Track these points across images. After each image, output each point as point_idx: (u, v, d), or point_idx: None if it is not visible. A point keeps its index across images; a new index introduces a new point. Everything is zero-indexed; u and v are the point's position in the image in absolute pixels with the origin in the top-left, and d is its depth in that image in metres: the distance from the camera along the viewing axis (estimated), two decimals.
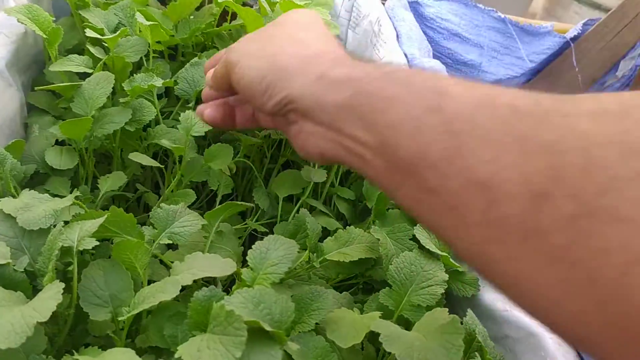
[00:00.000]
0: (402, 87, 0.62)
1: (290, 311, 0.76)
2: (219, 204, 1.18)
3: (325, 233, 1.11)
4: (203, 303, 0.76)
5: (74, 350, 0.85)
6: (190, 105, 1.24)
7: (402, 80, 0.63)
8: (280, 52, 0.75)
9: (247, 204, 0.95)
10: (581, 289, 0.49)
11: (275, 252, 0.81)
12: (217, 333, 0.69)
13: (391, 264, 0.87)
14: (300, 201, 1.14)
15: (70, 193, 1.04)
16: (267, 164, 1.27)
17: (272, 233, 1.08)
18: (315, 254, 0.97)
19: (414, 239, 0.98)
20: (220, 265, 0.82)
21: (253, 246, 0.83)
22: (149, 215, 0.94)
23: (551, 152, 0.49)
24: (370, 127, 0.64)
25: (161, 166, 1.09)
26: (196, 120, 1.04)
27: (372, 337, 0.92)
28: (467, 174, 0.55)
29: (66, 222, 0.86)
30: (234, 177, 1.25)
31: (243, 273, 0.80)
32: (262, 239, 1.03)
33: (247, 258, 0.82)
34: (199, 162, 1.13)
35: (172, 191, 1.08)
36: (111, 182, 1.07)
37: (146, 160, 1.04)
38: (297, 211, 1.12)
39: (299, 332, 0.80)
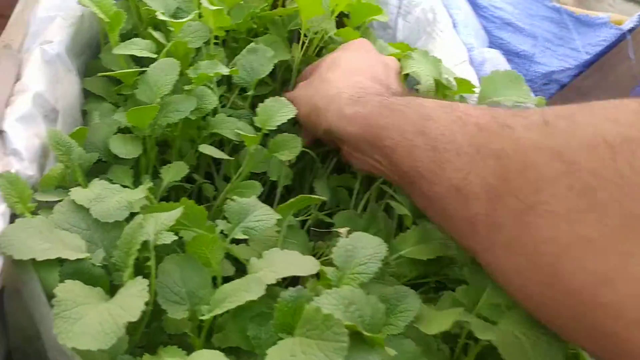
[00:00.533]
0: (398, 117, 0.79)
1: (382, 313, 0.72)
2: (280, 195, 1.14)
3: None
4: (290, 304, 0.72)
5: (147, 350, 0.82)
6: (249, 93, 1.20)
7: (398, 112, 0.80)
8: (314, 93, 1.00)
9: (321, 197, 0.91)
10: (529, 274, 0.59)
11: (363, 250, 0.78)
12: (312, 337, 0.66)
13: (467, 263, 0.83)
14: (371, 189, 1.09)
15: (133, 183, 1.01)
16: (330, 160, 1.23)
17: (333, 225, 1.05)
18: (388, 251, 0.93)
19: None
20: (303, 264, 0.79)
21: (338, 244, 0.79)
22: (208, 208, 0.90)
23: (499, 157, 0.60)
24: (379, 151, 0.83)
25: (231, 158, 1.05)
26: (276, 110, 1.01)
27: (446, 337, 0.89)
28: (447, 182, 0.69)
29: (133, 214, 0.83)
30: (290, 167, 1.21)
31: (328, 272, 0.77)
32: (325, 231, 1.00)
33: (332, 256, 0.78)
34: (261, 152, 1.10)
35: (235, 182, 1.04)
36: (173, 172, 1.04)
37: (216, 153, 1.00)
38: (368, 200, 1.07)
39: (387, 335, 0.76)
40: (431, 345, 0.80)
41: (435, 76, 1.11)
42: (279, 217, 0.87)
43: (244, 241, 1.02)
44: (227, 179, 1.24)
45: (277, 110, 1.02)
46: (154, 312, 0.81)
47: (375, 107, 0.85)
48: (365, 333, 0.66)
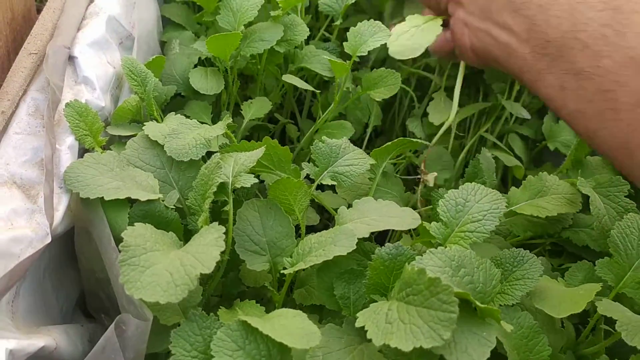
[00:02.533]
0: None
1: (496, 280, 0.60)
2: (369, 137, 1.03)
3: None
4: (387, 262, 0.62)
5: (221, 304, 0.75)
6: (336, 23, 1.07)
7: None
8: None
9: (423, 141, 0.79)
10: None
11: (477, 205, 0.65)
12: (413, 303, 0.55)
13: (613, 228, 0.68)
14: (477, 132, 0.95)
15: (212, 120, 0.93)
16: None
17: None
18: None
19: (630, 196, 0.78)
20: (402, 216, 0.67)
21: (446, 195, 0.67)
22: (291, 150, 0.80)
23: None
24: (519, 9, 0.66)
25: (317, 91, 0.94)
26: (369, 34, 0.87)
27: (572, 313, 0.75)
28: (628, 52, 0.54)
29: (210, 154, 0.75)
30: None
31: (432, 227, 0.65)
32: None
33: (438, 210, 0.66)
34: (353, 91, 0.98)
35: (324, 122, 0.93)
36: (255, 108, 0.94)
37: (302, 84, 0.89)
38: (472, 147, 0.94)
39: (500, 304, 0.64)
40: (553, 321, 0.67)
41: None
42: (372, 162, 0.76)
43: (330, 187, 0.92)
44: (312, 118, 1.14)
45: (371, 34, 0.88)
46: (231, 262, 0.74)
47: None
48: (478, 304, 0.55)
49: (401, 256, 0.61)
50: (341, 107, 0.98)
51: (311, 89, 0.93)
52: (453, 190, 0.67)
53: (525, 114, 0.98)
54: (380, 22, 0.90)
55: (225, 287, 0.76)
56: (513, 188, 0.80)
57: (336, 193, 0.86)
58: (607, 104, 0.59)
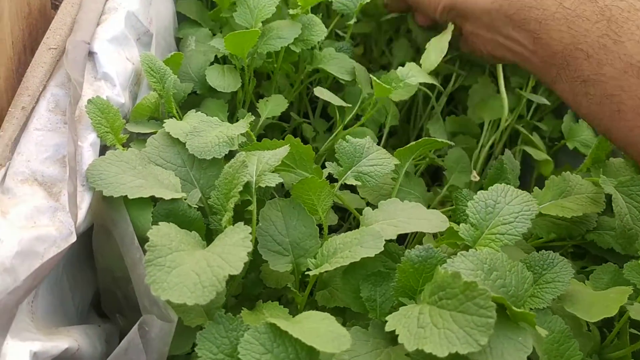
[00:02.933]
0: None
1: (528, 283, 0.59)
2: (386, 137, 1.01)
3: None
4: (416, 265, 0.60)
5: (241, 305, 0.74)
6: (350, 22, 1.05)
7: None
8: None
9: (447, 141, 0.78)
10: None
11: (508, 206, 0.64)
12: (447, 308, 0.54)
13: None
14: (500, 128, 0.93)
15: (228, 118, 0.92)
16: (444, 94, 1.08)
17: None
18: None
19: None
20: (429, 218, 0.66)
21: (475, 196, 0.66)
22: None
23: None
24: (521, 26, 0.71)
25: (347, 105, 0.93)
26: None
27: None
28: (625, 61, 0.58)
29: (230, 152, 0.73)
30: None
31: (461, 229, 0.64)
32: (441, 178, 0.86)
33: (468, 212, 0.65)
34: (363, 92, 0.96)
35: (343, 124, 0.92)
36: (271, 106, 0.93)
37: (336, 100, 0.88)
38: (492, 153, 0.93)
39: (530, 308, 0.63)
40: (580, 325, 0.66)
41: None
42: (397, 162, 0.74)
43: (348, 187, 0.91)
44: (325, 118, 1.13)
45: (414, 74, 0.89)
46: (252, 262, 0.72)
47: None
48: (513, 308, 0.53)
49: (431, 259, 0.60)
50: (363, 119, 0.96)
51: (343, 103, 0.91)
52: (482, 191, 0.66)
53: (545, 101, 0.98)
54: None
55: (245, 288, 0.75)
56: (536, 189, 0.79)
57: (355, 193, 0.84)
58: (615, 106, 0.62)
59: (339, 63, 0.97)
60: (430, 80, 0.89)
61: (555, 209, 0.75)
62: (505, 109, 0.90)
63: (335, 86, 1.10)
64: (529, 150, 0.86)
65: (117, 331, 0.78)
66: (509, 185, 0.65)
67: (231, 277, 0.71)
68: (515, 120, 1.02)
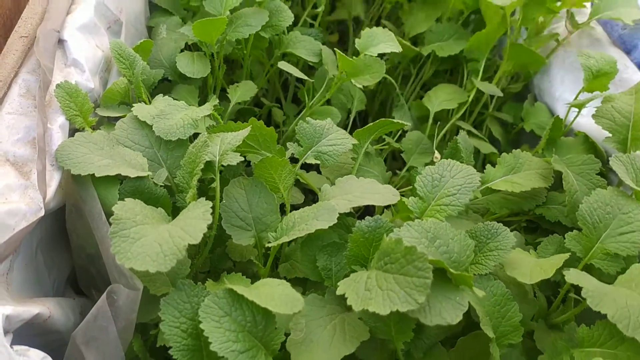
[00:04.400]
0: None
1: (470, 250, 0.64)
2: (352, 122, 1.05)
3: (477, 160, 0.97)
4: (366, 234, 0.65)
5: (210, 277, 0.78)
6: (318, 10, 1.09)
7: None
8: None
9: (403, 122, 0.82)
10: None
11: (452, 179, 0.68)
12: (390, 271, 0.58)
13: (582, 203, 0.72)
14: (449, 123, 0.99)
15: (199, 103, 0.95)
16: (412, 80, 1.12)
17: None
18: None
19: (602, 174, 0.82)
20: (382, 193, 0.71)
21: (423, 171, 0.70)
22: (278, 134, 0.83)
23: None
24: None
25: (310, 80, 0.97)
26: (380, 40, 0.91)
27: (545, 285, 0.79)
28: None
29: (196, 135, 0.77)
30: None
31: (410, 202, 0.68)
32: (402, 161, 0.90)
33: (416, 186, 0.69)
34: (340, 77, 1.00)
35: (310, 107, 0.96)
36: (241, 91, 0.97)
37: (295, 71, 0.92)
38: (448, 135, 0.98)
39: (474, 274, 0.67)
40: (525, 291, 0.71)
41: None
42: (355, 142, 0.79)
43: (315, 169, 0.95)
44: (296, 103, 1.16)
45: (383, 40, 0.93)
46: (218, 238, 0.76)
47: None
48: (451, 270, 0.58)
49: (380, 228, 0.64)
50: (328, 95, 1.00)
51: (303, 76, 0.95)
52: (429, 166, 0.70)
53: (498, 92, 1.01)
54: (391, 33, 0.94)
55: (212, 263, 0.79)
56: (488, 166, 0.84)
57: (320, 174, 0.88)
58: None
59: (306, 46, 1.01)
60: (394, 48, 0.92)
61: (505, 184, 0.80)
62: (460, 99, 0.94)
63: (307, 71, 1.14)
64: (475, 143, 0.91)
65: (92, 305, 0.82)
66: (454, 161, 0.69)
67: (198, 252, 0.76)
68: (480, 107, 1.07)
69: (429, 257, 0.55)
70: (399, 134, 1.02)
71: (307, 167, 0.93)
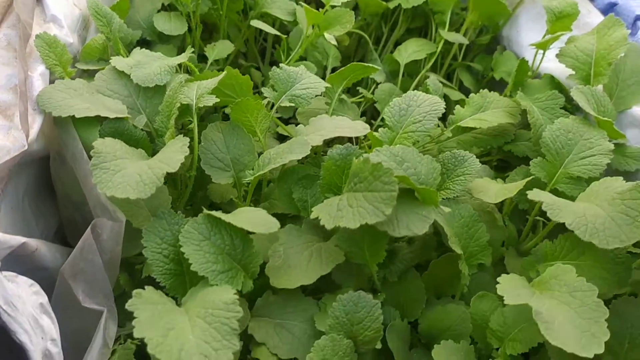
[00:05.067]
0: None
1: (437, 172, 0.67)
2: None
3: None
4: (338, 162, 0.68)
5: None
6: None
7: None
8: None
9: (374, 66, 0.85)
10: None
11: (418, 108, 0.71)
12: (359, 190, 0.61)
13: (545, 131, 0.75)
14: (420, 74, 1.02)
15: None
16: (385, 35, 1.15)
17: None
18: (445, 122, 0.87)
19: (565, 109, 0.85)
20: (353, 126, 0.74)
21: (390, 103, 0.73)
22: (257, 94, 0.86)
23: None
24: None
25: (283, 36, 0.99)
26: None
27: (515, 215, 0.82)
28: None
29: None
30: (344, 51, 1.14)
31: (379, 133, 0.71)
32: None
33: (384, 116, 0.72)
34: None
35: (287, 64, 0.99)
36: (218, 50, 0.99)
37: (268, 28, 0.95)
38: (419, 84, 1.01)
39: (442, 199, 0.71)
40: (494, 218, 0.74)
41: None
42: (327, 85, 0.82)
43: (295, 122, 0.98)
44: (275, 64, 1.19)
45: None
46: (199, 181, 0.79)
47: None
48: (418, 186, 0.61)
49: (351, 155, 0.67)
50: (301, 51, 1.03)
51: (276, 32, 0.98)
52: (397, 98, 0.73)
53: (464, 40, 1.04)
54: None
55: (194, 207, 0.82)
56: (457, 107, 0.87)
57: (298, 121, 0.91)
58: None
59: (281, 6, 1.04)
60: None
61: (474, 122, 0.83)
62: (428, 50, 0.97)
63: (284, 32, 1.16)
64: (445, 91, 0.94)
65: None
66: (419, 92, 0.73)
67: (180, 195, 0.79)
68: (450, 58, 1.10)
69: (394, 171, 0.58)
70: (374, 87, 1.05)
71: (287, 122, 0.96)
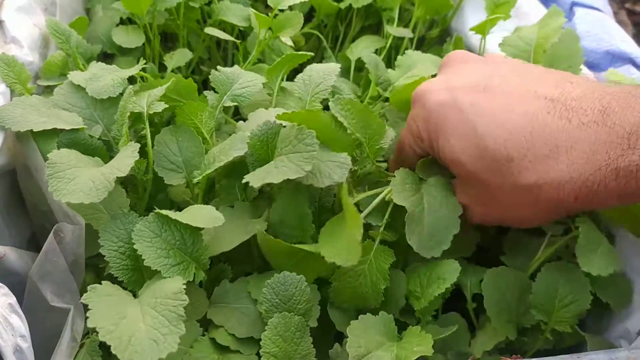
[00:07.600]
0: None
1: None
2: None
3: None
4: (262, 137, 0.74)
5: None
6: None
7: None
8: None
9: (308, 53, 0.90)
10: None
11: (317, 73, 0.85)
12: (285, 153, 0.69)
13: None
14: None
15: None
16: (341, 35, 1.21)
17: None
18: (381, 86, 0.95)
19: None
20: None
21: (295, 79, 0.86)
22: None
23: None
24: None
25: (237, 41, 1.05)
26: None
27: None
28: None
29: None
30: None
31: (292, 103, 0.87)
32: None
33: (293, 90, 0.86)
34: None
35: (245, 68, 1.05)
36: (176, 58, 1.05)
37: (222, 35, 1.01)
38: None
39: None
40: None
41: None
42: (264, 80, 0.88)
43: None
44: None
45: None
46: (158, 183, 0.85)
47: None
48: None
49: (272, 129, 0.74)
50: (258, 54, 1.08)
51: (230, 38, 1.04)
52: (299, 74, 0.87)
53: (408, 34, 1.10)
54: None
55: (159, 207, 0.87)
56: (390, 70, 0.96)
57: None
58: None
59: (236, 13, 1.09)
60: None
61: (406, 80, 0.91)
62: (378, 46, 1.04)
63: (243, 37, 1.21)
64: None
65: None
66: (316, 64, 0.88)
67: (139, 198, 0.84)
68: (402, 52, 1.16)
69: (314, 132, 0.67)
70: None
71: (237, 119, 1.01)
